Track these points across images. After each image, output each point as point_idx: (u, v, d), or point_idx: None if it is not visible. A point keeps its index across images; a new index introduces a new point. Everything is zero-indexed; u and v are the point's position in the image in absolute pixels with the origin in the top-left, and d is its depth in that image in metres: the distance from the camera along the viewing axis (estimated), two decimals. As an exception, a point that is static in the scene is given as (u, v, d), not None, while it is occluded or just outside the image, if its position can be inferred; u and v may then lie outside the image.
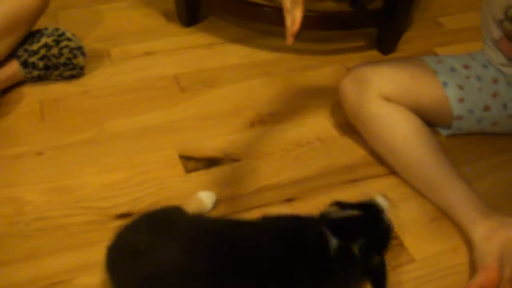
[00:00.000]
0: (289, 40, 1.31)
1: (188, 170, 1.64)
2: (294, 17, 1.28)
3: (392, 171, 1.66)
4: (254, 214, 1.51)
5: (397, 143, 1.59)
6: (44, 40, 1.88)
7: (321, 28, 2.16)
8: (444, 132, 1.77)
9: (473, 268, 1.38)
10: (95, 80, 2.02)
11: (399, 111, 1.61)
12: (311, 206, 1.54)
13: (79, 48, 1.95)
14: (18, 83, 1.94)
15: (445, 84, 1.66)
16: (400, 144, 1.58)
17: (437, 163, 1.54)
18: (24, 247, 1.42)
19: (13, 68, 1.88)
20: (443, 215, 1.54)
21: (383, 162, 1.68)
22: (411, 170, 1.58)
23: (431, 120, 1.71)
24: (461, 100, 1.66)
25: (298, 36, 1.30)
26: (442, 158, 1.55)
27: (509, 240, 1.36)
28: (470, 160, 1.71)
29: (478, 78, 1.68)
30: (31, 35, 1.90)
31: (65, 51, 1.91)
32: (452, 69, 1.69)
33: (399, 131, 1.59)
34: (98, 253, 1.38)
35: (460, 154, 1.70)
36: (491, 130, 1.76)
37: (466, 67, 1.70)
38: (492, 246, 1.35)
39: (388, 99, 1.61)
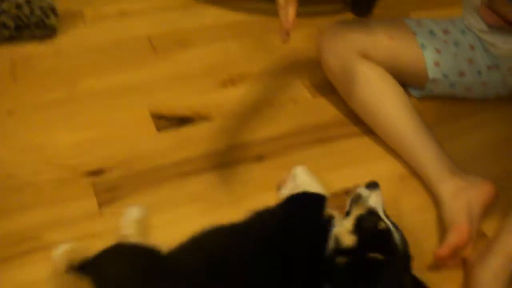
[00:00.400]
0: (284, 39, 1.30)
1: (159, 129, 1.64)
2: (287, 14, 1.27)
3: (363, 132, 1.67)
4: (224, 172, 1.53)
5: (372, 100, 1.60)
6: (15, -1, 1.85)
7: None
8: (416, 93, 1.79)
9: (441, 224, 1.41)
10: (68, 40, 2.00)
11: (376, 70, 1.62)
12: (282, 164, 1.56)
13: (52, 8, 1.92)
14: (-11, 43, 1.91)
15: (423, 46, 1.67)
16: (375, 101, 1.59)
17: (409, 121, 1.56)
18: (-6, 205, 1.41)
19: (-17, 27, 1.84)
20: (412, 174, 1.56)
21: (355, 122, 1.69)
22: (385, 127, 1.59)
23: (405, 81, 1.72)
24: (437, 63, 1.67)
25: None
26: (415, 117, 1.56)
27: (476, 198, 1.39)
28: (441, 122, 1.73)
29: (456, 43, 1.69)
30: (1, -6, 1.86)
31: (37, 11, 1.88)
32: (432, 33, 1.69)
33: (375, 89, 1.60)
34: (69, 210, 1.41)
35: (431, 116, 1.72)
36: (463, 95, 1.78)
37: (445, 32, 1.71)
38: (461, 204, 1.38)
39: (365, 57, 1.62)
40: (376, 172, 1.56)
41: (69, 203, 1.43)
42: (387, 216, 1.22)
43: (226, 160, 1.56)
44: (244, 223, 1.23)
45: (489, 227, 1.43)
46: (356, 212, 1.21)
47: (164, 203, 1.44)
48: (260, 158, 1.58)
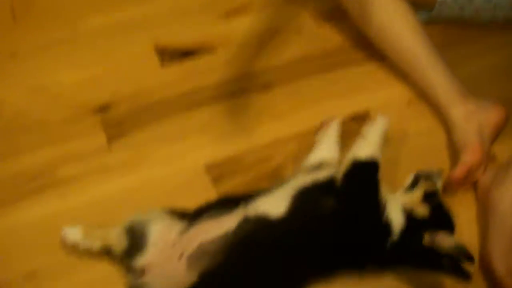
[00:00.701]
0: None
1: (163, 62, 1.62)
2: None
3: (369, 58, 1.64)
4: (231, 102, 1.53)
5: (385, 21, 1.56)
6: None
7: None
8: (424, 16, 1.75)
9: (450, 148, 1.40)
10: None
11: None
12: (289, 92, 1.55)
13: None
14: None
15: None
16: (387, 23, 1.55)
17: (421, 43, 1.52)
18: (5, 144, 1.43)
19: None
20: (420, 98, 1.55)
21: (360, 49, 1.66)
22: (398, 49, 1.55)
23: (414, 2, 1.67)
24: None
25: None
26: (426, 39, 1.53)
27: (487, 121, 1.39)
28: (450, 46, 1.69)
29: None
30: None
31: None
32: None
33: (387, 10, 1.56)
34: (78, 146, 1.42)
35: (440, 40, 1.68)
36: (472, 18, 1.73)
37: None
38: (472, 126, 1.37)
39: None
40: (383, 97, 1.56)
41: (79, 139, 1.43)
42: None
43: (232, 90, 1.55)
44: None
45: (499, 150, 1.43)
46: (425, 186, 1.21)
47: (172, 136, 1.45)
48: (266, 86, 1.56)
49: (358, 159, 1.20)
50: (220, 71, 1.59)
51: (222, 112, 1.49)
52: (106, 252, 1.20)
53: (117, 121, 1.47)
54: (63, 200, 1.31)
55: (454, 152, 1.40)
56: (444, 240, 1.11)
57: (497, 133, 1.42)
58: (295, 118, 1.46)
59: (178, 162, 1.39)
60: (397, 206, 1.18)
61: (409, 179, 1.26)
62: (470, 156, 1.31)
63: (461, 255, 1.09)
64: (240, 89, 1.56)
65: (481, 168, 1.34)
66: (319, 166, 1.27)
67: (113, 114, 1.48)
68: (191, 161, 1.39)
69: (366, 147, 1.22)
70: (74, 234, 1.20)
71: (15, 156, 1.40)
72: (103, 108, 1.49)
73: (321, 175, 1.22)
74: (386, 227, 1.15)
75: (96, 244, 1.19)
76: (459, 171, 1.29)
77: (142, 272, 1.11)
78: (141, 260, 1.12)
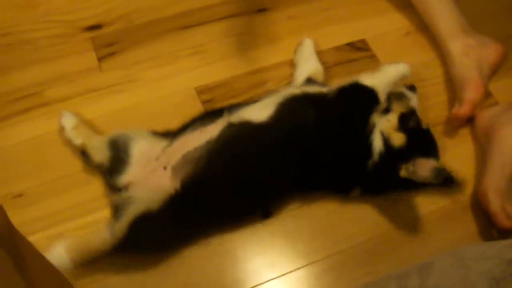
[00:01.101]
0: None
1: (158, -18, 1.57)
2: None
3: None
4: (226, 24, 1.49)
5: None
6: None
7: None
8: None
9: (449, 81, 1.39)
10: None
11: None
12: (284, 16, 1.51)
13: None
14: None
15: None
16: None
17: None
18: (-8, 63, 1.40)
19: None
20: (418, 30, 1.52)
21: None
22: None
23: None
24: None
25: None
26: None
27: (486, 57, 1.36)
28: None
29: None
30: None
31: None
32: None
33: None
34: (68, 66, 1.39)
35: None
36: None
37: None
38: (472, 61, 1.35)
39: None
40: (380, 26, 1.52)
41: (69, 59, 1.41)
42: None
43: (228, 12, 1.51)
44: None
45: (494, 88, 1.41)
46: (399, 109, 1.19)
47: (164, 56, 1.42)
48: (262, 10, 1.53)
49: (360, 82, 1.19)
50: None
51: (216, 35, 1.46)
52: (82, 153, 1.21)
53: (108, 41, 1.44)
54: (51, 120, 1.29)
55: (452, 86, 1.38)
56: (422, 167, 1.09)
57: (495, 71, 1.40)
58: (290, 43, 1.43)
59: (169, 84, 1.37)
60: (377, 129, 1.17)
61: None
62: (473, 93, 1.29)
63: (441, 179, 1.08)
64: (236, 12, 1.52)
65: (481, 104, 1.32)
66: (308, 81, 1.28)
67: (104, 33, 1.45)
68: (182, 83, 1.37)
69: (373, 78, 1.20)
70: (68, 120, 1.23)
71: (3, 75, 1.38)
72: (95, 27, 1.46)
73: (312, 88, 1.21)
74: (367, 148, 1.15)
75: (78, 140, 1.20)
76: (465, 108, 1.28)
77: (125, 188, 1.11)
78: (125, 178, 1.13)
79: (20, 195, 1.19)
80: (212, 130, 1.11)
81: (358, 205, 1.22)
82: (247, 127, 1.12)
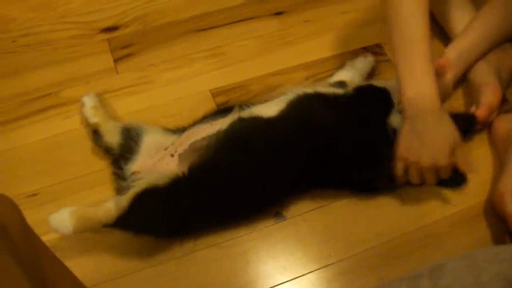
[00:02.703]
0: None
1: (175, -15, 1.58)
2: None
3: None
4: (242, 27, 1.50)
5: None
6: None
7: None
8: None
9: (465, 86, 1.38)
10: None
11: None
12: (301, 19, 1.51)
13: None
14: None
15: None
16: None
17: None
18: (11, 63, 1.42)
19: None
20: (434, 35, 1.50)
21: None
22: None
23: None
24: None
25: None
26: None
27: (505, 62, 1.36)
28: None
29: None
30: None
31: None
32: None
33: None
34: (84, 67, 1.41)
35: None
36: None
37: None
38: (491, 66, 1.34)
39: None
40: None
41: (85, 60, 1.42)
42: None
43: (244, 15, 1.52)
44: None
45: (510, 94, 1.39)
46: None
47: (180, 58, 1.43)
48: (279, 13, 1.53)
49: (373, 84, 1.23)
50: (231, -3, 1.55)
51: (231, 37, 1.47)
52: (94, 132, 1.22)
53: (125, 43, 1.45)
54: (67, 120, 1.31)
55: (468, 90, 1.37)
56: None
57: (513, 77, 1.39)
58: (306, 47, 1.44)
59: (185, 86, 1.37)
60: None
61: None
62: (491, 97, 1.28)
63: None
64: (252, 15, 1.53)
65: (497, 110, 1.31)
66: (339, 83, 1.28)
67: (120, 35, 1.47)
68: (197, 85, 1.37)
69: (384, 82, 1.23)
70: (89, 99, 1.26)
71: (21, 74, 1.39)
72: (111, 29, 1.48)
73: (325, 89, 1.21)
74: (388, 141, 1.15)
75: (94, 119, 1.22)
76: (482, 111, 1.27)
77: (132, 175, 1.13)
78: (132, 166, 1.14)
79: (34, 194, 1.20)
80: (222, 123, 1.12)
81: (370, 210, 1.21)
82: (256, 121, 1.12)
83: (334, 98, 1.18)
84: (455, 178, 1.17)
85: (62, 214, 1.05)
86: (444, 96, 1.30)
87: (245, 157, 1.10)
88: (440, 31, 1.47)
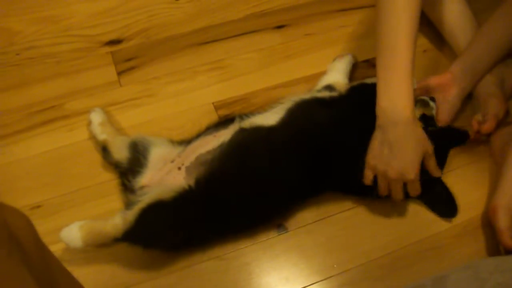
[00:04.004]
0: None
1: (177, -1, 1.60)
2: None
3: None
4: (244, 40, 1.51)
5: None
6: None
7: None
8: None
9: (467, 97, 1.37)
10: None
11: None
12: (302, 33, 1.53)
13: None
14: None
15: None
16: None
17: None
18: (16, 76, 1.43)
19: None
20: (436, 47, 1.52)
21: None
22: None
23: None
24: None
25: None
26: None
27: (509, 76, 1.37)
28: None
29: None
30: None
31: None
32: None
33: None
34: (88, 79, 1.42)
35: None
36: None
37: None
38: (495, 78, 1.35)
39: None
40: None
41: (89, 72, 1.43)
42: None
43: (246, 28, 1.53)
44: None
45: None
46: (422, 110, 1.24)
47: (183, 71, 1.44)
48: (280, 26, 1.54)
49: (365, 82, 1.26)
50: (234, 8, 1.57)
51: (234, 51, 1.48)
52: (103, 149, 1.24)
53: (128, 55, 1.46)
54: (71, 133, 1.31)
55: (469, 102, 1.38)
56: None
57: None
58: (307, 60, 1.45)
59: (187, 99, 1.38)
60: None
61: None
62: (497, 108, 1.30)
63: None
64: (254, 28, 1.54)
65: (500, 122, 1.32)
66: (327, 87, 1.30)
67: (124, 48, 1.48)
68: (200, 98, 1.38)
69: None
70: (97, 116, 1.27)
71: (25, 87, 1.40)
72: (115, 42, 1.49)
73: (320, 94, 1.25)
74: None
75: (102, 136, 1.24)
76: (490, 123, 1.28)
77: (141, 189, 1.14)
78: (141, 180, 1.15)
79: (38, 206, 1.21)
80: (224, 135, 1.14)
81: (373, 221, 1.21)
82: (257, 131, 1.14)
83: (331, 100, 1.21)
84: (447, 209, 1.21)
85: (72, 229, 1.07)
86: (450, 111, 1.31)
87: (248, 168, 1.11)
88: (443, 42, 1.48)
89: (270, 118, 1.16)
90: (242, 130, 1.15)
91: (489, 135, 1.31)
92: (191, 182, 1.09)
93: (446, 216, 1.22)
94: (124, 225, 1.07)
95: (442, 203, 1.22)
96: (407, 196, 1.16)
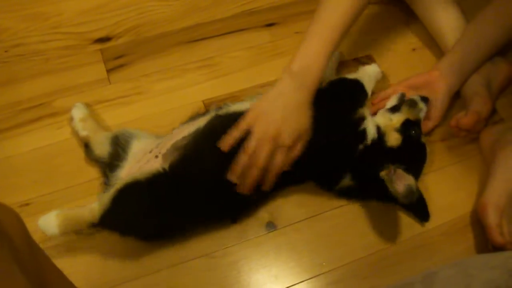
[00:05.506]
0: None
1: (167, -4, 1.59)
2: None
3: (375, 2, 1.61)
4: (233, 38, 1.51)
5: None
6: None
7: None
8: None
9: (455, 96, 1.38)
10: None
11: None
12: (291, 31, 1.53)
13: None
14: None
15: None
16: None
17: None
18: (4, 73, 1.42)
19: None
20: (425, 46, 1.53)
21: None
22: None
23: None
24: None
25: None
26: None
27: (496, 76, 1.38)
28: None
29: None
30: None
31: None
32: None
33: None
34: (77, 77, 1.41)
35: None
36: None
37: None
38: (482, 78, 1.36)
39: None
40: (387, 42, 1.54)
41: (78, 70, 1.42)
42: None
43: (236, 26, 1.53)
44: None
45: (499, 106, 1.42)
46: (407, 115, 1.21)
47: (172, 69, 1.44)
48: (270, 24, 1.55)
49: (345, 76, 1.27)
50: (223, 6, 1.57)
51: (224, 48, 1.48)
52: (85, 146, 1.24)
53: (117, 53, 1.45)
54: (60, 130, 1.31)
55: (458, 101, 1.39)
56: (399, 179, 1.09)
57: (503, 89, 1.42)
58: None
59: (177, 97, 1.38)
60: (373, 121, 1.20)
61: (393, 100, 1.26)
62: (480, 106, 1.30)
63: (409, 201, 1.08)
64: (244, 26, 1.54)
65: (485, 121, 1.33)
66: None
67: (113, 45, 1.47)
68: (190, 96, 1.38)
69: (355, 74, 1.27)
70: (78, 111, 1.27)
71: (13, 84, 1.39)
72: (104, 39, 1.48)
73: None
74: (358, 133, 1.17)
75: (83, 132, 1.24)
76: (469, 118, 1.28)
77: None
78: (121, 173, 1.16)
79: (27, 204, 1.20)
80: (200, 122, 1.15)
81: (362, 220, 1.22)
82: (232, 116, 1.13)
83: None
84: (421, 212, 1.20)
85: (49, 216, 1.08)
86: (439, 108, 1.32)
87: (222, 152, 1.10)
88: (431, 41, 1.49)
89: (245, 105, 1.16)
90: (217, 117, 1.15)
91: (469, 131, 1.31)
92: (166, 166, 1.09)
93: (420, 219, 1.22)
94: (100, 208, 1.08)
95: (415, 208, 1.21)
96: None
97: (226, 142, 1.09)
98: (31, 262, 0.66)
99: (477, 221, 1.21)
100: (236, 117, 1.12)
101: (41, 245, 0.78)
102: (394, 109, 1.22)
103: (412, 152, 1.18)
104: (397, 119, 1.20)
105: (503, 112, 1.39)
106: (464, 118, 1.28)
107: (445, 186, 1.25)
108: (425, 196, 1.20)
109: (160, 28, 1.51)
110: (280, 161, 1.09)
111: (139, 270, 1.14)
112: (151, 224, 1.11)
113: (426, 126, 1.29)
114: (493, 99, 1.35)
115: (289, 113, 1.09)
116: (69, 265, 1.11)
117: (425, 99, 1.25)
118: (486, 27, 1.35)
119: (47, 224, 1.08)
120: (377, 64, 1.33)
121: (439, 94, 1.31)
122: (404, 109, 1.21)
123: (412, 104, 1.22)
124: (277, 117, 1.08)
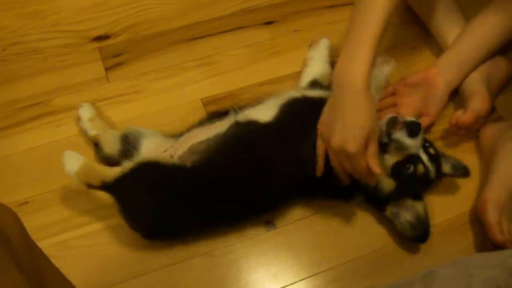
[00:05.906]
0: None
1: (165, -6, 1.59)
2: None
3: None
4: (232, 36, 1.51)
5: None
6: None
7: None
8: None
9: (454, 94, 1.38)
10: None
11: None
12: (290, 29, 1.53)
13: None
14: None
15: None
16: None
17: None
18: (2, 71, 1.42)
19: None
20: (424, 44, 1.53)
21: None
22: None
23: None
24: None
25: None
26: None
27: (495, 73, 1.38)
28: None
29: None
30: None
31: None
32: None
33: None
34: (76, 75, 1.41)
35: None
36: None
37: None
38: (481, 75, 1.35)
39: None
40: (386, 40, 1.53)
41: (76, 68, 1.42)
42: (430, 144, 1.19)
43: (235, 24, 1.53)
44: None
45: (498, 104, 1.41)
46: (395, 157, 1.14)
47: (171, 68, 1.43)
48: (269, 22, 1.54)
49: None
50: (222, 5, 1.57)
51: (222, 47, 1.48)
52: (95, 145, 1.25)
53: (116, 51, 1.45)
54: (58, 129, 1.31)
55: (458, 99, 1.39)
56: (407, 209, 1.15)
57: (502, 88, 1.42)
58: (296, 56, 1.44)
59: (175, 95, 1.38)
60: None
61: (381, 125, 1.15)
62: (479, 104, 1.29)
63: (420, 232, 1.14)
64: (242, 24, 1.54)
65: (484, 119, 1.33)
66: (313, 84, 1.29)
67: (111, 44, 1.47)
68: (188, 95, 1.38)
69: None
70: (85, 111, 1.27)
71: (12, 82, 1.39)
72: (102, 37, 1.48)
73: (312, 92, 1.24)
74: None
75: (92, 132, 1.24)
76: (468, 116, 1.27)
77: None
78: None
79: (25, 203, 1.20)
80: (220, 126, 1.14)
81: (361, 218, 1.22)
82: (253, 126, 1.14)
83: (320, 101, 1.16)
84: (418, 235, 1.17)
85: (76, 155, 1.11)
86: (438, 105, 1.32)
87: (245, 161, 1.11)
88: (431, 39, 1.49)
89: (264, 113, 1.15)
90: (237, 124, 1.14)
91: (468, 129, 1.30)
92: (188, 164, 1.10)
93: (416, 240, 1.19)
94: (119, 172, 1.09)
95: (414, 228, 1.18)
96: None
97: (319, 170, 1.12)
98: (29, 261, 0.65)
99: (477, 220, 1.21)
100: (256, 127, 1.14)
101: (39, 244, 0.78)
102: (384, 148, 1.14)
103: (411, 185, 1.16)
104: (388, 161, 1.14)
105: (502, 110, 1.39)
106: (464, 116, 1.27)
107: (444, 185, 1.25)
108: (424, 195, 1.20)
109: (158, 27, 1.50)
110: (359, 165, 1.06)
111: (138, 268, 1.13)
112: (155, 210, 1.11)
113: (424, 122, 1.28)
114: (492, 97, 1.34)
115: (349, 119, 1.05)
116: (67, 264, 1.11)
117: (414, 130, 1.13)
118: (485, 26, 1.35)
119: (70, 160, 1.10)
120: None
121: (438, 90, 1.31)
122: (392, 149, 1.14)
123: (399, 144, 1.13)
124: (336, 128, 1.06)
